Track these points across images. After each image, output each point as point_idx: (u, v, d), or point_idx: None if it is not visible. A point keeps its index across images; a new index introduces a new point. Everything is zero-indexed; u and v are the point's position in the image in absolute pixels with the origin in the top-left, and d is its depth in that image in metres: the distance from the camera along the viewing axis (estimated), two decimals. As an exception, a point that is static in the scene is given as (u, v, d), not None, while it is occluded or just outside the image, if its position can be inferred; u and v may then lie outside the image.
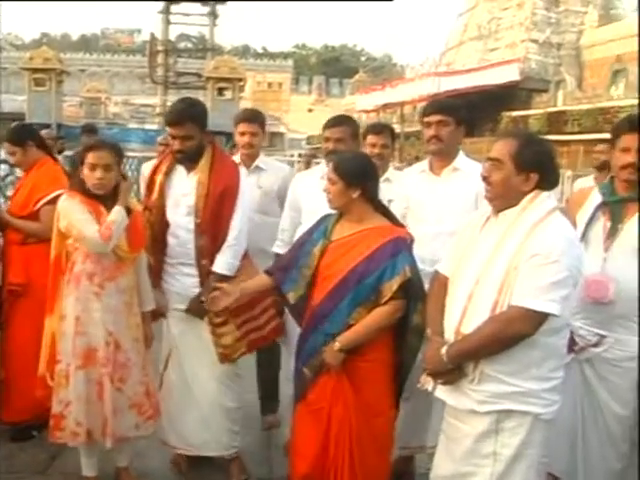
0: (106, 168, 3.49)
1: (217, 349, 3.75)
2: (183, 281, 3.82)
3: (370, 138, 4.57)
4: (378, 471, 3.26)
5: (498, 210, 2.76)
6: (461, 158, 3.74)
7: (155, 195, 3.80)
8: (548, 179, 2.71)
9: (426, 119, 3.71)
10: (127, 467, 3.85)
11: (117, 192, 3.58)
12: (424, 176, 3.80)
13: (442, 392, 2.83)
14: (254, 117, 4.52)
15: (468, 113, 3.87)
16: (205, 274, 3.74)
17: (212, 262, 3.73)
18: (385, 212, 3.31)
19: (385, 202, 3.77)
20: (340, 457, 3.14)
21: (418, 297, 3.15)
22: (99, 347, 3.53)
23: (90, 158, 3.48)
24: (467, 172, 3.62)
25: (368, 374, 3.16)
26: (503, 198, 2.72)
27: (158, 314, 3.93)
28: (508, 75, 27.30)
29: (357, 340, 3.10)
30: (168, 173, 3.83)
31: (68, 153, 9.52)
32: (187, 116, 3.70)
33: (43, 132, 7.10)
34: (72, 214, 3.50)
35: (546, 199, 2.69)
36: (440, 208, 3.64)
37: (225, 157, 3.98)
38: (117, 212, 3.49)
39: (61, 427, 3.57)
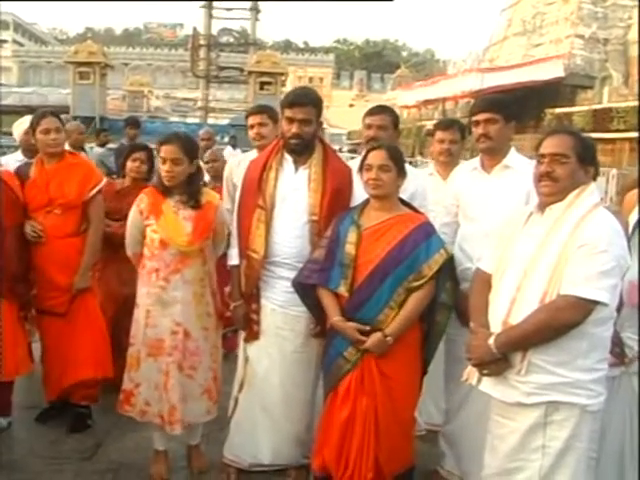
0: (174, 162, 3.64)
1: None
2: (272, 284, 3.67)
3: (438, 134, 4.61)
4: (404, 453, 3.36)
5: (549, 205, 2.80)
6: (512, 155, 3.66)
7: (270, 190, 3.62)
8: (596, 172, 2.85)
9: (474, 117, 3.65)
10: (198, 445, 3.99)
11: (192, 184, 3.73)
12: (475, 174, 3.76)
13: (487, 385, 2.85)
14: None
15: (518, 109, 3.81)
16: None
17: None
18: (404, 201, 3.45)
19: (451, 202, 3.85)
20: (365, 447, 3.21)
21: (447, 276, 3.28)
22: (165, 337, 3.68)
23: (161, 152, 3.66)
24: (518, 169, 3.55)
25: (399, 355, 3.24)
26: (567, 192, 2.76)
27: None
28: (552, 71, 26.91)
29: (404, 328, 3.20)
30: (278, 169, 3.67)
31: (112, 145, 9.72)
32: (309, 99, 3.61)
33: (68, 125, 7.10)
34: (129, 222, 3.85)
35: (592, 193, 2.76)
36: (490, 206, 3.59)
37: (336, 154, 3.88)
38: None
39: (131, 402, 3.77)
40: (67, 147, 5.70)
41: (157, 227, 3.67)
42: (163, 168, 3.66)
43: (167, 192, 3.71)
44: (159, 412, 3.72)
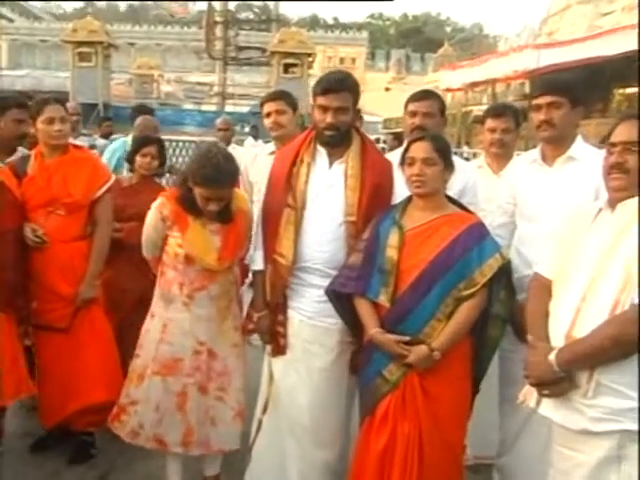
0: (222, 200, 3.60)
1: None
2: (301, 292, 3.66)
3: (489, 122, 4.57)
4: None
5: (620, 201, 2.74)
6: (578, 145, 3.60)
7: (301, 187, 3.61)
8: None
9: (535, 101, 3.59)
10: (218, 476, 3.99)
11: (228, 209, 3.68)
12: (535, 167, 3.72)
13: (548, 408, 2.80)
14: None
15: (585, 91, 3.71)
16: None
17: None
18: (452, 199, 3.42)
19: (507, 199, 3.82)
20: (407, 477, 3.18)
21: (501, 284, 3.24)
22: (185, 357, 3.69)
23: (205, 192, 3.54)
24: (585, 161, 3.49)
25: (446, 372, 3.21)
26: None
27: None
28: (624, 44, 26.38)
29: (453, 342, 3.18)
30: (310, 163, 3.65)
31: (116, 136, 9.77)
32: (345, 84, 3.57)
33: (68, 105, 7.29)
34: (148, 224, 3.75)
35: None
36: (552, 204, 3.53)
37: (375, 146, 3.86)
38: None
39: (120, 419, 3.78)
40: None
41: (183, 242, 3.64)
42: (206, 204, 3.57)
43: (197, 214, 3.66)
44: (155, 436, 3.71)
